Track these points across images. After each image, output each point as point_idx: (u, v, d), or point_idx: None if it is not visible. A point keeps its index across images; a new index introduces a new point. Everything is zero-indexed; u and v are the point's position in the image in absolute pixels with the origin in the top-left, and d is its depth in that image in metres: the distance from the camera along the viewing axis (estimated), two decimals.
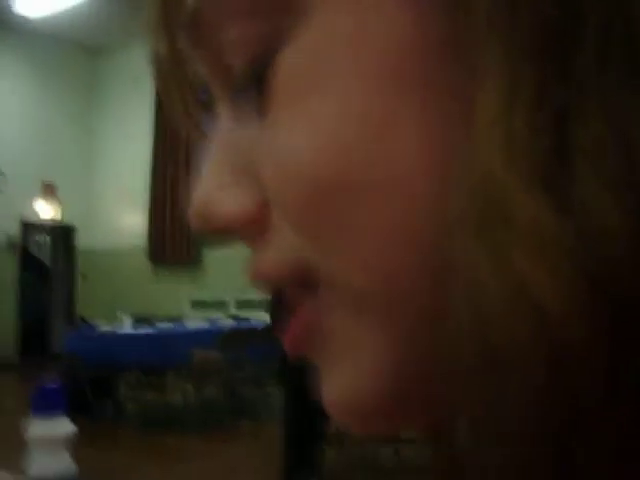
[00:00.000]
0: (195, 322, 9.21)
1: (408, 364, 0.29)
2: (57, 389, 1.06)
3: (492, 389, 0.25)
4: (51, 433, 1.03)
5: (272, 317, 4.64)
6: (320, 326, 0.31)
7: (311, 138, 0.28)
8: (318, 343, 0.32)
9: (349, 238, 0.28)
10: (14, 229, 12.71)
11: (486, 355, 0.24)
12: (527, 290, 0.23)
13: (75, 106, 13.43)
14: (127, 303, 11.58)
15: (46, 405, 1.04)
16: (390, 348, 0.29)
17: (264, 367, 7.48)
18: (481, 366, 0.25)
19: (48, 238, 13.43)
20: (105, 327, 8.51)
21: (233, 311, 10.20)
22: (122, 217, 13.21)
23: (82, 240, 13.38)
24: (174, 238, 12.09)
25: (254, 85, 0.30)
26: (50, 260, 13.49)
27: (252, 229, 0.32)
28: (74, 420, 1.03)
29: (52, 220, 13.12)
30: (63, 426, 1.04)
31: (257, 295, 9.19)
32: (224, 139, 0.33)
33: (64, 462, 1.02)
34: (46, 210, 13.10)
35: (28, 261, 13.04)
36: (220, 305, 10.69)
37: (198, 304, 11.22)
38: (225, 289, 10.55)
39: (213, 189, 0.33)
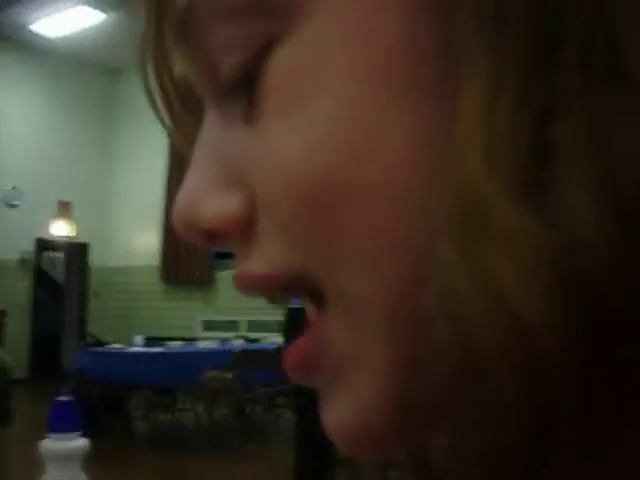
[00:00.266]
0: (206, 342, 9.17)
1: (408, 376, 0.28)
2: (72, 403, 1.06)
3: (472, 398, 0.25)
4: (67, 449, 1.03)
5: (286, 339, 4.61)
6: (325, 344, 0.30)
7: (305, 141, 0.28)
8: (317, 364, 0.31)
9: (341, 243, 0.28)
10: (29, 247, 12.75)
11: (465, 364, 0.24)
12: (505, 299, 0.23)
13: (92, 125, 13.49)
14: (139, 322, 11.58)
15: (61, 420, 1.04)
16: (391, 358, 0.28)
17: (275, 389, 7.45)
18: (461, 375, 0.24)
19: (62, 256, 13.46)
20: (117, 346, 8.50)
21: (244, 332, 10.16)
22: (136, 236, 13.22)
23: (96, 258, 13.40)
24: (187, 258, 12.09)
25: (242, 87, 0.30)
26: (64, 278, 13.51)
27: (238, 232, 0.31)
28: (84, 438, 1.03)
29: (67, 238, 13.14)
30: (78, 442, 1.04)
31: (269, 317, 9.16)
32: (209, 142, 0.32)
33: (79, 479, 1.02)
34: (61, 228, 13.14)
35: (42, 279, 13.06)
36: (231, 326, 10.65)
37: (210, 324, 11.19)
38: (237, 310, 10.52)
39: (198, 192, 0.32)
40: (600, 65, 0.23)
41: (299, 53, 0.28)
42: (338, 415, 0.30)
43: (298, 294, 0.31)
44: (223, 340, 9.34)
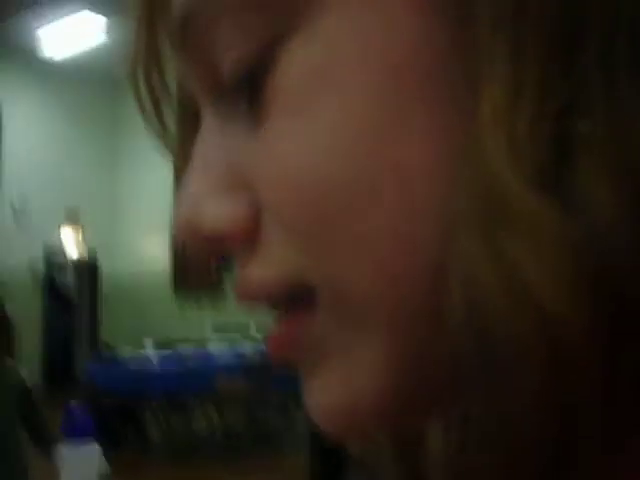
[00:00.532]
0: (217, 345, 9.24)
1: (408, 368, 0.28)
2: (85, 409, 1.04)
3: (491, 388, 0.25)
4: (81, 454, 1.02)
5: None
6: (314, 336, 0.30)
7: (315, 145, 0.27)
8: (310, 350, 0.31)
9: (352, 245, 0.28)
10: (38, 257, 12.81)
11: (486, 354, 0.24)
12: (528, 289, 0.23)
13: (99, 134, 13.62)
14: (150, 328, 11.63)
15: (76, 428, 1.03)
16: (390, 353, 0.28)
17: (289, 395, 7.45)
18: (481, 365, 0.25)
19: (72, 265, 13.51)
20: (128, 353, 8.53)
21: (255, 334, 10.23)
22: (145, 242, 13.32)
23: (105, 265, 13.47)
24: (196, 263, 12.15)
25: (245, 87, 0.29)
26: (74, 288, 13.56)
27: (242, 237, 0.30)
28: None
29: (76, 247, 13.21)
30: (93, 452, 1.03)
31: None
32: (209, 147, 0.32)
33: None
34: (70, 237, 13.20)
35: (52, 288, 13.13)
36: (242, 328, 10.73)
37: (220, 327, 11.27)
38: (246, 312, 10.56)
39: (201, 197, 0.31)
40: (620, 63, 0.24)
41: (312, 52, 0.28)
42: (329, 399, 0.30)
43: (290, 299, 0.31)
44: (233, 342, 9.41)
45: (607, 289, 0.23)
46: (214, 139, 0.32)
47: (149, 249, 13.20)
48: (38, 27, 11.15)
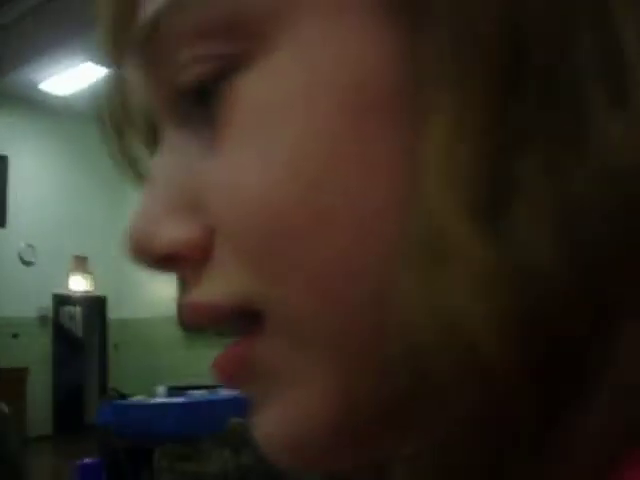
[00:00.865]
0: (229, 389, 9.07)
1: (356, 396, 0.28)
2: (97, 466, 1.05)
3: (426, 420, 0.25)
4: None
5: None
6: (263, 362, 0.30)
7: (267, 170, 0.28)
8: (260, 378, 0.30)
9: (300, 272, 0.28)
10: (47, 302, 12.80)
11: (419, 388, 0.25)
12: (460, 329, 0.24)
13: (105, 181, 13.60)
14: (160, 373, 11.57)
15: None
16: (338, 381, 0.28)
17: None
18: (416, 398, 0.25)
19: (80, 310, 13.50)
20: (139, 398, 8.48)
21: None
22: (154, 287, 13.27)
23: (114, 311, 13.44)
24: None
25: (201, 110, 0.30)
26: (83, 332, 13.53)
27: (194, 260, 0.30)
28: None
29: (84, 292, 13.19)
30: None
31: None
32: (165, 168, 0.32)
33: None
34: (78, 282, 13.19)
35: (61, 333, 13.09)
36: None
37: None
38: None
39: (154, 217, 0.31)
40: (561, 104, 0.24)
41: (266, 81, 0.28)
42: (278, 428, 0.30)
43: (237, 322, 0.31)
44: None
45: (539, 329, 0.23)
46: (171, 158, 0.31)
47: (158, 295, 13.13)
48: (42, 79, 11.29)
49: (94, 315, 13.53)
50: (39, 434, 11.98)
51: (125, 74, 0.33)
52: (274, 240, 0.28)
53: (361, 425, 0.29)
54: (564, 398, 0.25)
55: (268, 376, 0.30)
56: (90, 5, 0.34)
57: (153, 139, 0.34)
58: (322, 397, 0.29)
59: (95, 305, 13.48)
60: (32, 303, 12.50)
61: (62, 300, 13.09)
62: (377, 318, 0.27)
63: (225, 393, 8.87)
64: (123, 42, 0.32)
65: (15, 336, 12.30)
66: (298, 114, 0.28)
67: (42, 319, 12.70)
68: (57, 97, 12.00)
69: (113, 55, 0.33)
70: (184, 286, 0.32)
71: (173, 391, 8.67)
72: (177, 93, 0.30)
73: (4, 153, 12.61)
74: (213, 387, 9.44)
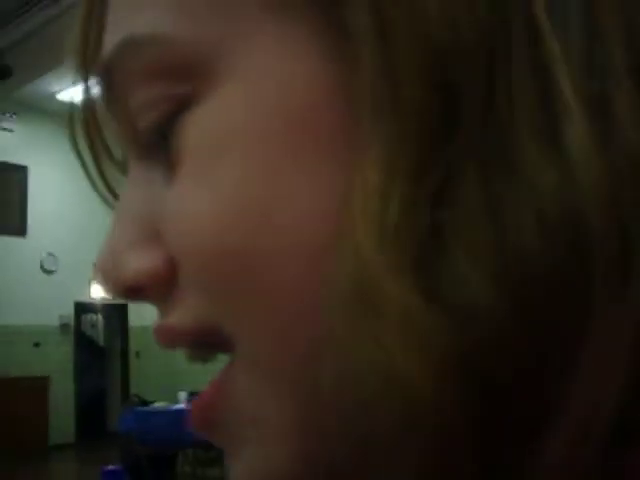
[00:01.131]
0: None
1: (316, 436, 0.28)
2: (119, 473, 1.06)
3: (367, 469, 0.25)
4: None
5: None
6: (226, 401, 0.31)
7: (213, 203, 0.28)
8: (223, 420, 0.31)
9: (243, 301, 0.28)
10: (68, 310, 12.88)
11: (359, 436, 0.25)
12: (396, 376, 0.24)
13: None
14: (182, 379, 11.59)
15: None
16: (296, 420, 0.28)
17: None
18: (355, 447, 0.25)
19: (101, 318, 13.56)
20: (161, 404, 8.51)
21: None
22: None
23: (135, 318, 13.49)
24: None
25: (160, 146, 0.30)
26: (104, 340, 13.60)
27: (159, 287, 0.31)
28: None
29: (104, 300, 13.26)
30: None
31: None
32: (131, 199, 0.33)
33: None
34: (98, 291, 13.25)
35: (83, 341, 13.16)
36: None
37: None
38: None
39: (119, 248, 0.32)
40: (491, 149, 0.24)
41: (209, 118, 0.29)
42: (246, 472, 0.30)
43: (211, 349, 0.32)
44: None
45: (475, 372, 0.23)
46: (136, 190, 0.32)
47: None
48: (60, 90, 11.36)
49: (115, 322, 13.60)
50: (62, 442, 12.04)
51: (97, 106, 0.35)
52: (223, 272, 0.28)
53: (325, 469, 0.28)
54: (517, 437, 0.24)
55: (235, 420, 0.30)
56: None
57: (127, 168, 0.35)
58: (286, 442, 0.29)
59: (116, 312, 13.54)
60: (54, 312, 12.58)
61: (83, 308, 13.16)
62: (323, 359, 0.26)
63: None
64: (87, 76, 0.34)
65: (37, 345, 12.38)
66: (240, 148, 0.28)
67: (64, 327, 12.78)
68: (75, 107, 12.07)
69: (84, 86, 0.34)
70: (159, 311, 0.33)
71: (195, 397, 8.69)
72: (135, 130, 0.31)
73: (24, 163, 12.71)
74: None
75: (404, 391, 0.24)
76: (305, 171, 0.27)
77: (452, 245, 0.24)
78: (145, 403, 9.03)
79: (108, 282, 0.32)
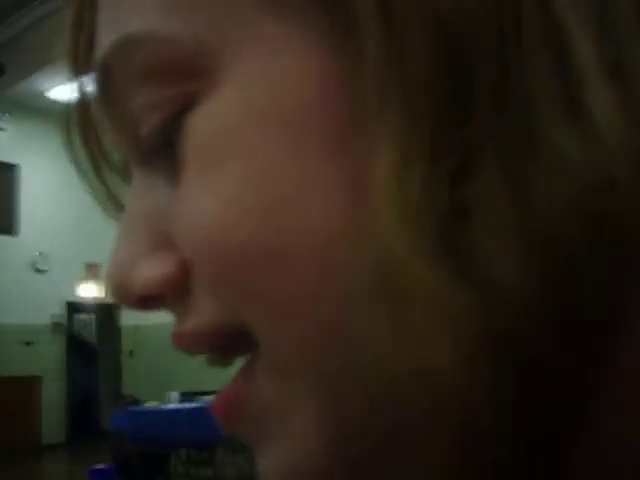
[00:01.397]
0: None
1: (343, 434, 0.27)
2: (108, 472, 1.05)
3: (398, 462, 0.25)
4: None
5: None
6: (251, 396, 0.30)
7: (218, 203, 0.28)
8: (249, 416, 0.30)
9: (263, 301, 0.27)
10: (60, 310, 12.86)
11: (390, 426, 0.25)
12: (426, 362, 0.23)
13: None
14: (174, 379, 11.59)
15: None
16: (322, 414, 0.28)
17: None
18: (386, 437, 0.25)
19: (93, 317, 13.54)
20: (152, 403, 8.51)
21: None
22: None
23: (127, 317, 13.48)
24: None
25: (163, 149, 0.30)
26: (96, 339, 13.58)
27: (173, 293, 0.30)
28: None
29: (96, 299, 13.24)
30: None
31: None
32: (137, 205, 0.32)
33: None
34: (90, 290, 13.24)
35: (74, 341, 13.15)
36: None
37: None
38: None
39: (129, 258, 0.31)
40: (508, 121, 0.23)
41: (211, 118, 0.28)
42: (273, 467, 0.30)
43: (234, 350, 0.31)
44: None
45: (507, 357, 0.23)
46: (141, 197, 0.32)
47: None
48: (50, 87, 11.34)
49: (107, 322, 13.58)
50: (53, 441, 12.02)
51: (94, 111, 0.34)
52: (232, 269, 0.28)
53: (352, 464, 0.28)
54: (552, 430, 0.24)
55: (262, 416, 0.30)
56: None
57: (128, 174, 0.34)
58: (307, 442, 0.28)
59: (108, 312, 13.53)
60: (45, 311, 12.57)
61: (75, 307, 13.14)
62: (346, 352, 0.26)
63: None
64: (83, 79, 0.33)
65: (28, 344, 12.36)
66: (241, 147, 0.28)
67: (55, 326, 12.76)
68: (66, 105, 12.05)
69: (80, 89, 0.34)
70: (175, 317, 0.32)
71: (186, 397, 8.69)
72: (137, 134, 0.31)
73: (16, 162, 12.68)
74: None
75: (435, 378, 0.23)
76: (311, 164, 0.27)
77: (476, 224, 0.23)
78: (137, 402, 9.03)
79: (120, 294, 0.32)
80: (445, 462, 0.24)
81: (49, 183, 12.81)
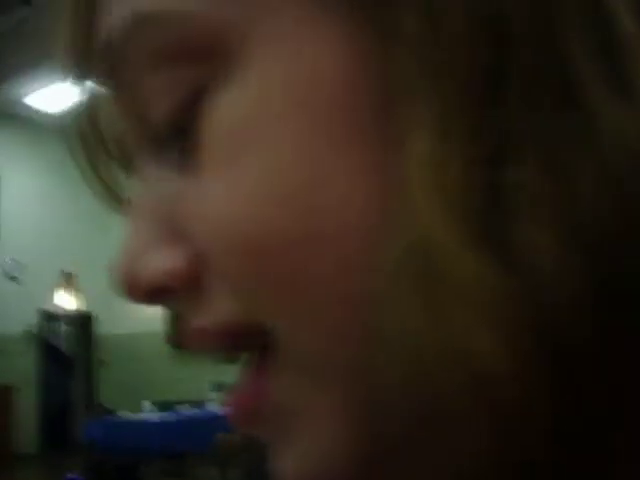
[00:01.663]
0: (217, 405, 9.08)
1: (369, 430, 0.27)
2: None
3: (435, 448, 0.24)
4: None
5: None
6: (269, 396, 0.29)
7: (245, 194, 0.27)
8: (268, 416, 0.29)
9: (288, 295, 0.26)
10: (33, 319, 12.74)
11: (421, 415, 0.24)
12: (467, 349, 0.22)
13: (94, 197, 13.61)
14: (148, 389, 11.52)
15: None
16: (345, 412, 0.27)
17: None
18: (417, 427, 0.24)
19: (67, 327, 13.43)
20: (126, 414, 8.46)
21: None
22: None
23: (101, 327, 13.38)
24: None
25: (176, 137, 0.29)
26: (70, 349, 13.47)
27: (184, 289, 0.29)
28: None
29: (71, 309, 13.14)
30: None
31: None
32: (145, 198, 0.31)
33: None
34: (66, 299, 13.14)
35: (47, 350, 13.02)
36: None
37: (219, 386, 11.18)
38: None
39: (139, 250, 0.30)
40: (550, 100, 0.23)
41: (239, 102, 0.27)
42: (294, 467, 0.29)
43: (247, 347, 0.30)
44: None
45: (549, 344, 0.22)
46: (150, 189, 0.31)
47: (145, 310, 13.06)
48: (28, 94, 11.27)
49: (81, 331, 13.47)
50: (25, 452, 11.89)
51: (93, 101, 0.33)
52: (255, 263, 0.27)
53: (377, 463, 0.27)
54: (597, 424, 0.23)
55: (282, 415, 0.29)
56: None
57: (129, 165, 0.34)
58: (337, 433, 0.28)
59: (82, 321, 13.42)
60: (17, 319, 12.43)
61: (48, 316, 13.02)
62: (370, 342, 0.25)
63: (212, 409, 8.87)
64: (87, 67, 0.31)
65: (1, 353, 12.23)
66: (269, 135, 0.27)
67: (28, 336, 12.63)
68: (45, 114, 11.98)
69: (80, 79, 0.33)
70: (179, 316, 0.31)
71: (159, 406, 8.65)
72: (147, 123, 0.30)
73: None
74: (200, 402, 9.44)
75: (474, 361, 0.22)
76: (337, 153, 0.26)
77: (517, 208, 0.23)
78: (110, 412, 8.97)
79: (129, 288, 0.31)
80: (482, 447, 0.23)
81: (26, 190, 12.71)
